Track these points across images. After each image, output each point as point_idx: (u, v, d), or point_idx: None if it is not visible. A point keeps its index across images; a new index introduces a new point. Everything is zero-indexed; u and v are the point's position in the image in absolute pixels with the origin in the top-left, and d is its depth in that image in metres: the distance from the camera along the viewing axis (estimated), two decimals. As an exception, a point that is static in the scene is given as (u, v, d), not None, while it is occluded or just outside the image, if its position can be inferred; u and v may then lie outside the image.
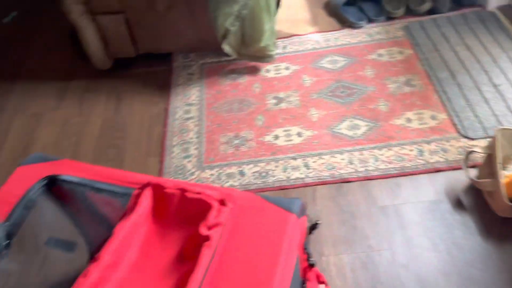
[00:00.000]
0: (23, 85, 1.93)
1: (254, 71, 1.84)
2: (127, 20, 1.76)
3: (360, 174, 1.43)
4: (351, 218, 1.33)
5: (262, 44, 1.69)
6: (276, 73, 1.82)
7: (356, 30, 1.96)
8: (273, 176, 1.46)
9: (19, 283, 0.80)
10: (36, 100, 1.86)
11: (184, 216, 0.79)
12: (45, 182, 0.87)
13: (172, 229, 0.79)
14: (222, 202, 0.78)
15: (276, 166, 1.49)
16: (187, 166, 1.54)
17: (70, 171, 0.89)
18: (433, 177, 1.39)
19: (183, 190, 0.80)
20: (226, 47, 1.72)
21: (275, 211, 0.79)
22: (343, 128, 1.57)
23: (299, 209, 0.80)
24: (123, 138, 1.66)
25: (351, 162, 1.46)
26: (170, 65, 1.94)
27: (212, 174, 1.50)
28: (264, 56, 1.76)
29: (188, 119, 1.70)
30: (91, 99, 1.83)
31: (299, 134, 1.57)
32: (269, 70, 1.84)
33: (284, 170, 1.47)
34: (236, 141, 1.59)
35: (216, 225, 0.75)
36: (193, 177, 1.49)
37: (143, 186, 0.84)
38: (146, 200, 0.81)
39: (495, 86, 1.62)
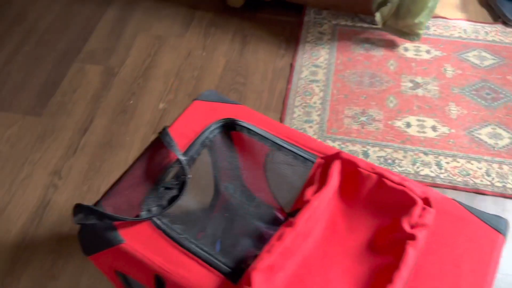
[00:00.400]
0: (147, 4, 1.87)
1: (391, 45, 1.70)
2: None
3: (497, 190, 1.31)
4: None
5: (417, 20, 1.54)
6: (416, 54, 1.67)
7: (511, 29, 1.76)
8: (400, 167, 1.36)
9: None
10: (160, 21, 1.80)
11: (378, 203, 0.71)
12: (222, 123, 0.82)
13: (361, 213, 0.71)
14: (426, 201, 0.70)
15: (404, 156, 1.38)
16: (308, 131, 1.46)
17: (248, 119, 0.83)
18: None
19: (380, 175, 0.72)
20: (377, 16, 1.58)
21: (480, 226, 0.70)
22: (484, 134, 1.43)
23: (506, 230, 0.71)
24: (245, 85, 1.59)
25: (488, 174, 1.34)
26: (301, 18, 1.82)
27: (332, 146, 1.41)
28: (411, 34, 1.60)
29: (313, 81, 1.60)
30: (217, 35, 1.75)
31: (433, 128, 1.45)
32: (407, 49, 1.69)
33: (414, 163, 1.37)
34: (363, 118, 1.48)
35: (421, 225, 0.67)
36: (313, 144, 1.42)
37: (331, 157, 0.77)
38: (335, 174, 0.73)
39: None
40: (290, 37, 1.75)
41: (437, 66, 1.63)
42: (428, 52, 1.68)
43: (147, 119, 1.48)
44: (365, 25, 1.77)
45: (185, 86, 1.57)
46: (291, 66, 1.65)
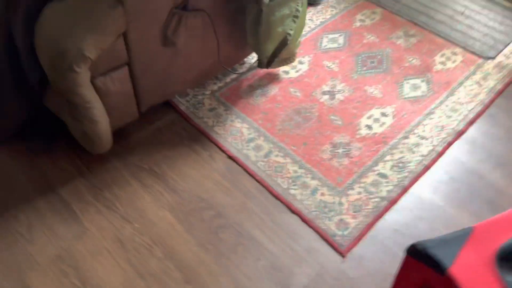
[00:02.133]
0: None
1: (273, 78, 1.62)
2: (131, 72, 1.27)
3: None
4: None
5: (297, 43, 1.50)
6: (297, 71, 1.65)
7: (320, 6, 1.93)
8: (410, 162, 1.37)
9: None
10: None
11: None
12: None
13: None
14: None
15: (401, 152, 1.40)
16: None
17: None
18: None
19: None
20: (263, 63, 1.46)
21: None
22: (409, 91, 1.58)
23: None
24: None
25: (448, 116, 1.50)
26: (178, 111, 1.51)
27: (359, 193, 1.30)
28: (291, 56, 1.56)
29: (267, 155, 1.39)
30: (121, 196, 1.28)
31: (384, 114, 1.50)
32: (287, 72, 1.65)
33: (411, 151, 1.40)
34: (340, 150, 1.40)
35: None
36: (343, 206, 1.27)
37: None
38: None
39: (461, 13, 1.89)
40: (193, 135, 1.45)
41: (320, 68, 1.66)
42: (301, 62, 1.68)
43: None
44: (233, 76, 1.62)
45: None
46: (233, 158, 1.39)
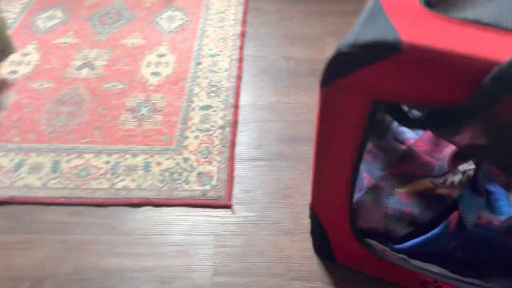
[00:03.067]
0: None
1: (2, 86, 1.13)
2: None
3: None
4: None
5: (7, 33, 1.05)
6: (27, 64, 1.20)
7: (8, -6, 1.47)
8: (220, 81, 1.15)
9: None
10: None
11: None
12: None
13: None
14: None
15: (206, 77, 1.16)
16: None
17: None
18: None
19: None
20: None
21: None
22: (168, 25, 1.34)
23: None
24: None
25: (220, 27, 1.33)
26: None
27: (196, 137, 1.00)
28: (6, 51, 1.10)
29: (55, 169, 0.94)
30: None
31: (161, 55, 1.23)
32: (16, 71, 1.18)
33: (214, 72, 1.18)
34: (144, 111, 1.07)
35: None
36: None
37: None
38: None
39: None
40: None
41: (55, 49, 1.25)
42: (26, 54, 1.23)
43: None
44: None
45: None
46: (5, 202, 0.88)
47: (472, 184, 0.79)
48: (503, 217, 0.73)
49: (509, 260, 0.72)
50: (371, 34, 0.44)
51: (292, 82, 1.16)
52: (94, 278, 0.78)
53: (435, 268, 0.72)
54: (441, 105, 0.44)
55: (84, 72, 1.18)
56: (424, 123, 0.48)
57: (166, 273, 0.79)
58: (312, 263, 0.81)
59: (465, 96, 0.42)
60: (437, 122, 0.46)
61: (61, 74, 1.17)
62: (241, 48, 1.26)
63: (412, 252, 0.74)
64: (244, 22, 1.36)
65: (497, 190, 0.78)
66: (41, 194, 0.91)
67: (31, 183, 0.93)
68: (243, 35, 1.31)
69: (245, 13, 1.39)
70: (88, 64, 1.20)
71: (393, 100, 0.47)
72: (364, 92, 0.47)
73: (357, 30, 0.46)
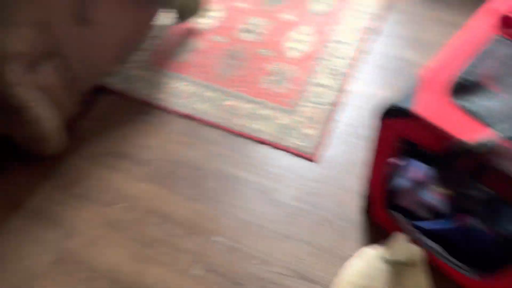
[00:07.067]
0: None
1: (191, 33, 1.64)
2: (61, 62, 1.22)
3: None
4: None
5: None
6: (212, 19, 1.68)
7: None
8: (340, 67, 1.51)
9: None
10: None
11: None
12: None
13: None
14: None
15: (329, 60, 1.52)
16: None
17: None
18: None
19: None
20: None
21: None
22: (316, 6, 1.69)
23: None
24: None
25: (356, 18, 1.65)
26: (114, 92, 1.49)
27: (308, 106, 1.41)
28: (200, 4, 1.58)
29: (215, 102, 1.44)
30: (92, 186, 1.27)
31: (303, 33, 1.61)
32: (202, 23, 1.68)
33: (337, 57, 1.53)
34: (278, 77, 1.49)
35: None
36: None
37: None
38: None
39: None
40: (137, 107, 1.45)
41: (233, 11, 1.71)
42: (213, 10, 1.71)
43: None
44: (151, 41, 1.62)
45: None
46: (182, 115, 1.42)
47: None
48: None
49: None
50: (400, 100, 0.79)
51: (404, 83, 1.45)
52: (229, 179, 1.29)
53: (434, 245, 1.06)
54: (432, 151, 0.78)
55: (246, 35, 1.62)
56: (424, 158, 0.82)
57: (268, 185, 1.27)
58: (357, 212, 1.21)
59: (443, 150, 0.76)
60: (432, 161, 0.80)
61: (232, 33, 1.63)
62: (369, 41, 1.57)
63: (423, 230, 1.09)
64: (379, 17, 1.64)
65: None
66: (204, 117, 1.42)
67: (198, 107, 1.44)
68: (374, 29, 1.60)
69: (382, 9, 1.67)
70: (251, 31, 1.64)
71: (409, 139, 0.82)
72: (394, 130, 0.83)
73: (398, 95, 0.81)
